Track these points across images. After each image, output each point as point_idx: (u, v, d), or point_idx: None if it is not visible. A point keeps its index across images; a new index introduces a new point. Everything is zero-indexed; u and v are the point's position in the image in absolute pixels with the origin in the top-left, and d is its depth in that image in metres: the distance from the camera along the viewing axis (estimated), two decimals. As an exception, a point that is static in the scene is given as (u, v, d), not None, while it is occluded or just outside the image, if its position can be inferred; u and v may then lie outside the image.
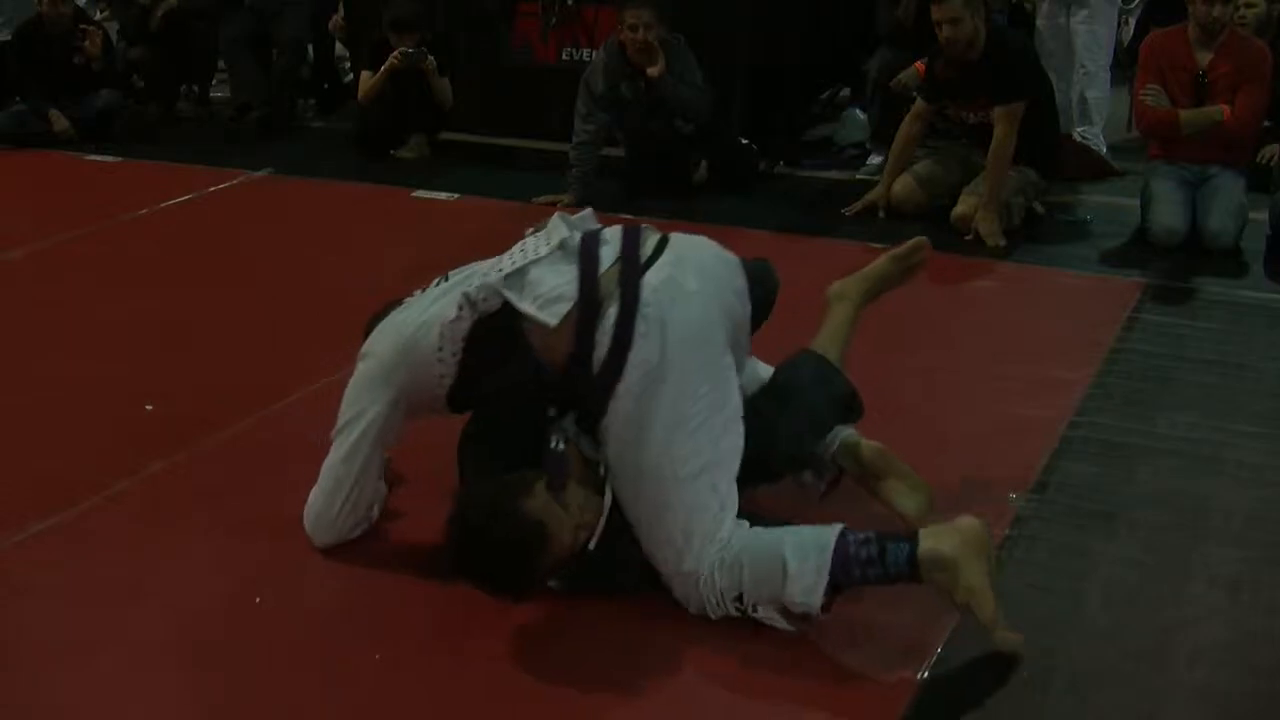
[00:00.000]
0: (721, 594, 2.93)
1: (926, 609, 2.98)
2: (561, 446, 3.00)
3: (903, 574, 2.87)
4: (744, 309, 3.23)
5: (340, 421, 3.26)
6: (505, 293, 3.07)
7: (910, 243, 3.70)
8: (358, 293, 5.27)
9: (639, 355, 2.97)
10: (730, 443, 3.03)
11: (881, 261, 3.67)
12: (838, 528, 2.93)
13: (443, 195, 6.81)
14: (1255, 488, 3.69)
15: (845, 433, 3.38)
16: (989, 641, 2.88)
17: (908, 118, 6.35)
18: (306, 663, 2.94)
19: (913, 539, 2.88)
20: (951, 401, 3.82)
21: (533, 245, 3.18)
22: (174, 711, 2.80)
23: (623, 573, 3.08)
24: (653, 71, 6.41)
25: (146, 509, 3.60)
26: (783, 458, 3.30)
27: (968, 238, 5.87)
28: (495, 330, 3.08)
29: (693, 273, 3.11)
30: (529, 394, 3.10)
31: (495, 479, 3.05)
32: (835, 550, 2.87)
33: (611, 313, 3.01)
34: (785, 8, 7.32)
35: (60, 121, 8.08)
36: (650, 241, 3.18)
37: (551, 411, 3.10)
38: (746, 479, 3.07)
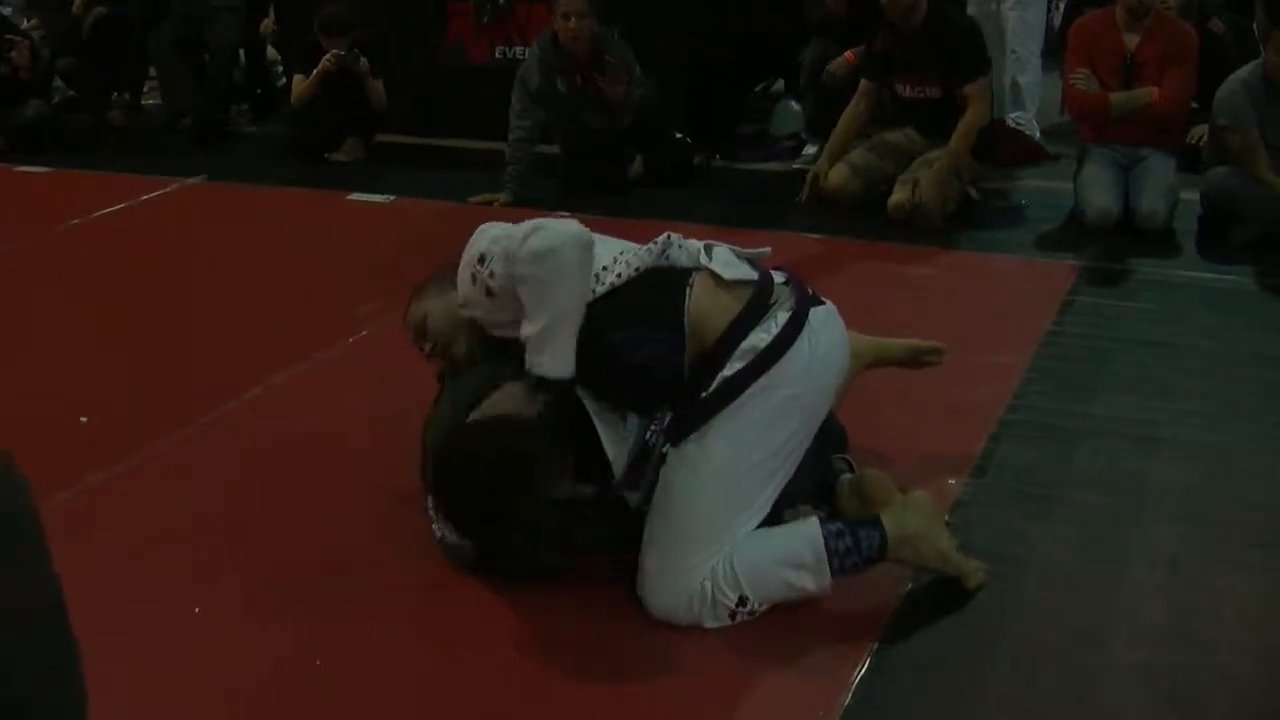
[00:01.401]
0: (720, 601, 2.94)
1: (866, 593, 3.03)
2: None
3: (874, 558, 3.00)
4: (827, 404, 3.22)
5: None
6: (702, 253, 3.09)
7: (932, 344, 3.78)
8: (294, 298, 5.28)
9: (787, 364, 2.98)
10: (770, 497, 3.04)
11: (899, 343, 3.77)
12: (813, 520, 3.03)
13: (379, 198, 6.78)
14: (1192, 466, 3.73)
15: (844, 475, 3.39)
16: (931, 623, 2.94)
17: (854, 97, 6.36)
18: (264, 670, 2.93)
19: (877, 523, 3.02)
20: (889, 387, 3.84)
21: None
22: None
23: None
24: (615, 95, 6.42)
25: (83, 521, 3.57)
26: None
27: (905, 221, 5.90)
28: (657, 287, 3.04)
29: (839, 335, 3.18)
30: (633, 369, 3.03)
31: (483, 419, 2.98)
32: (824, 539, 2.98)
33: (782, 316, 3.02)
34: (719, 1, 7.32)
35: (-13, 133, 7.99)
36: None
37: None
38: None
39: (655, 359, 3.00)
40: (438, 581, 3.19)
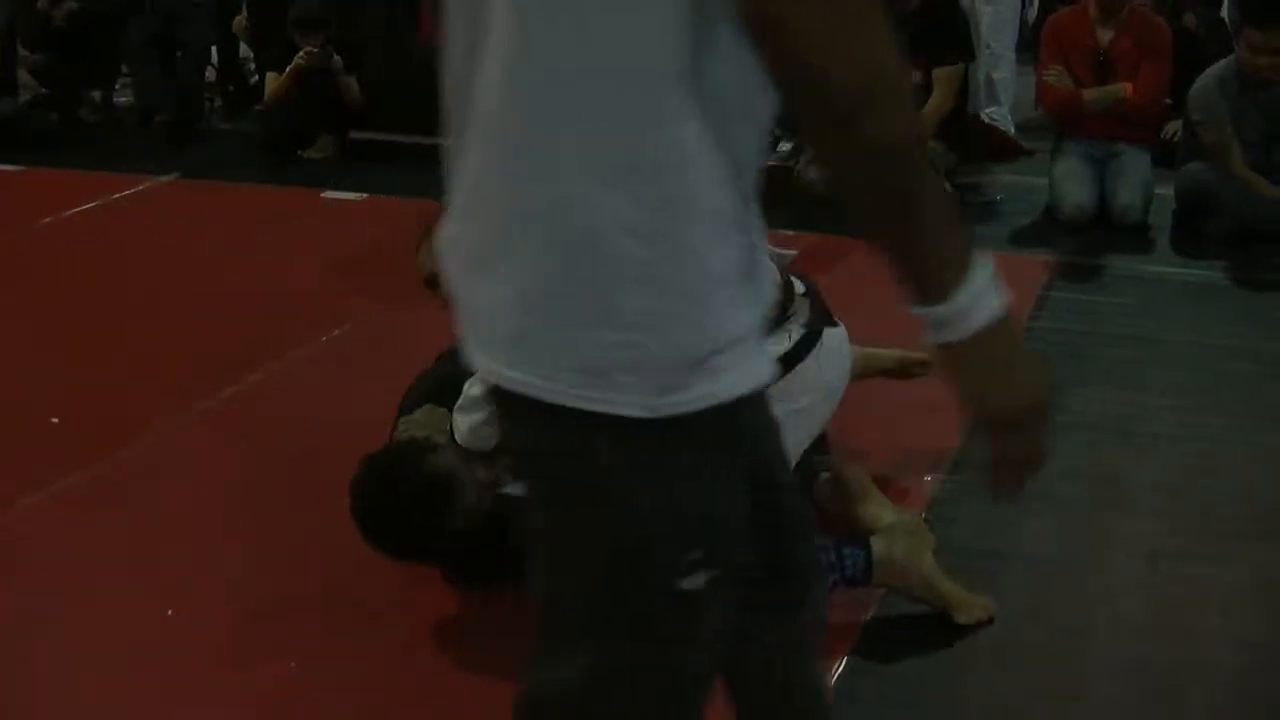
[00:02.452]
0: None
1: (845, 594, 2.99)
2: None
3: (859, 579, 2.96)
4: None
5: None
6: None
7: (921, 355, 3.70)
8: (269, 296, 5.24)
9: (796, 378, 2.98)
10: None
11: (889, 353, 3.74)
12: None
13: (352, 195, 6.75)
14: (1169, 459, 3.74)
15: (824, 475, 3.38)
16: (910, 620, 2.93)
17: None
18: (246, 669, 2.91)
19: (864, 545, 2.96)
20: (865, 384, 3.82)
21: None
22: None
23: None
24: None
25: (60, 522, 3.54)
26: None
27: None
28: None
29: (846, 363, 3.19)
30: None
31: (401, 441, 3.03)
32: None
33: (796, 330, 3.01)
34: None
35: (-47, 131, 7.93)
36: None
37: None
38: None
39: None
40: (424, 580, 3.16)
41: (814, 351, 3.01)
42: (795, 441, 3.02)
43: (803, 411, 2.99)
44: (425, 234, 3.40)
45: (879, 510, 3.23)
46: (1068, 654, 2.88)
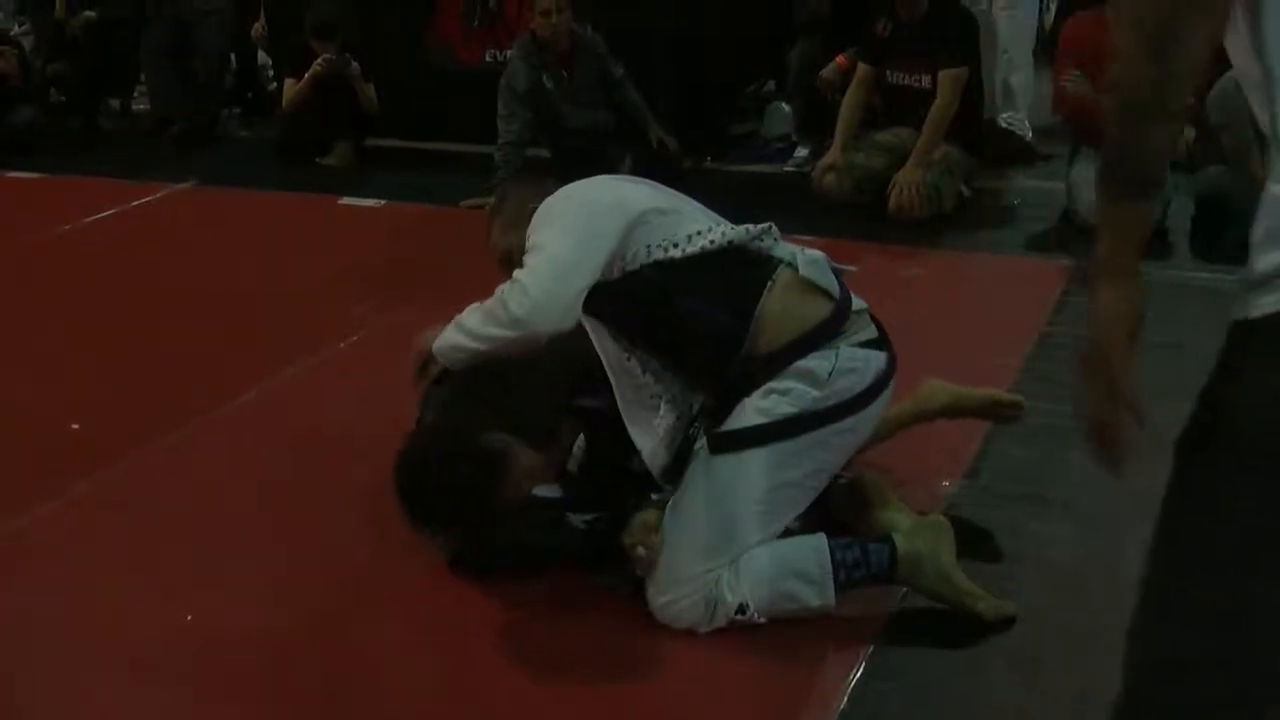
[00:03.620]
0: (720, 605, 2.92)
1: (862, 596, 3.00)
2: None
3: (883, 575, 2.95)
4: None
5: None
6: (797, 252, 3.10)
7: (1014, 398, 3.69)
8: (286, 302, 5.26)
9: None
10: (793, 515, 3.03)
11: (980, 393, 3.66)
12: (820, 534, 2.99)
13: (369, 202, 6.76)
14: (1187, 464, 3.71)
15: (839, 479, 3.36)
16: (928, 626, 2.93)
17: (852, 85, 6.33)
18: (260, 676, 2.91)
19: (888, 541, 2.96)
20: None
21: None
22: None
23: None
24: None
25: (74, 527, 3.55)
26: None
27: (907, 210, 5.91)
28: (740, 269, 3.05)
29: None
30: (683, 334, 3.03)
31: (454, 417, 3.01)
32: (830, 553, 2.93)
33: (846, 350, 2.99)
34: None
35: (-28, 139, 7.98)
36: None
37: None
38: None
39: (713, 338, 2.99)
40: (437, 583, 3.18)
41: (884, 394, 3.02)
42: (840, 458, 3.05)
43: (846, 432, 3.00)
44: (495, 215, 3.40)
45: (895, 516, 3.21)
46: (1085, 659, 2.86)
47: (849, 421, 2.97)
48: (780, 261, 3.07)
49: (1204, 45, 1.61)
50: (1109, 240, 1.71)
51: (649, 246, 3.03)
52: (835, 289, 3.07)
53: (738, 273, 3.04)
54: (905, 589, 3.04)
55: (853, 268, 3.24)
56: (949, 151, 6.10)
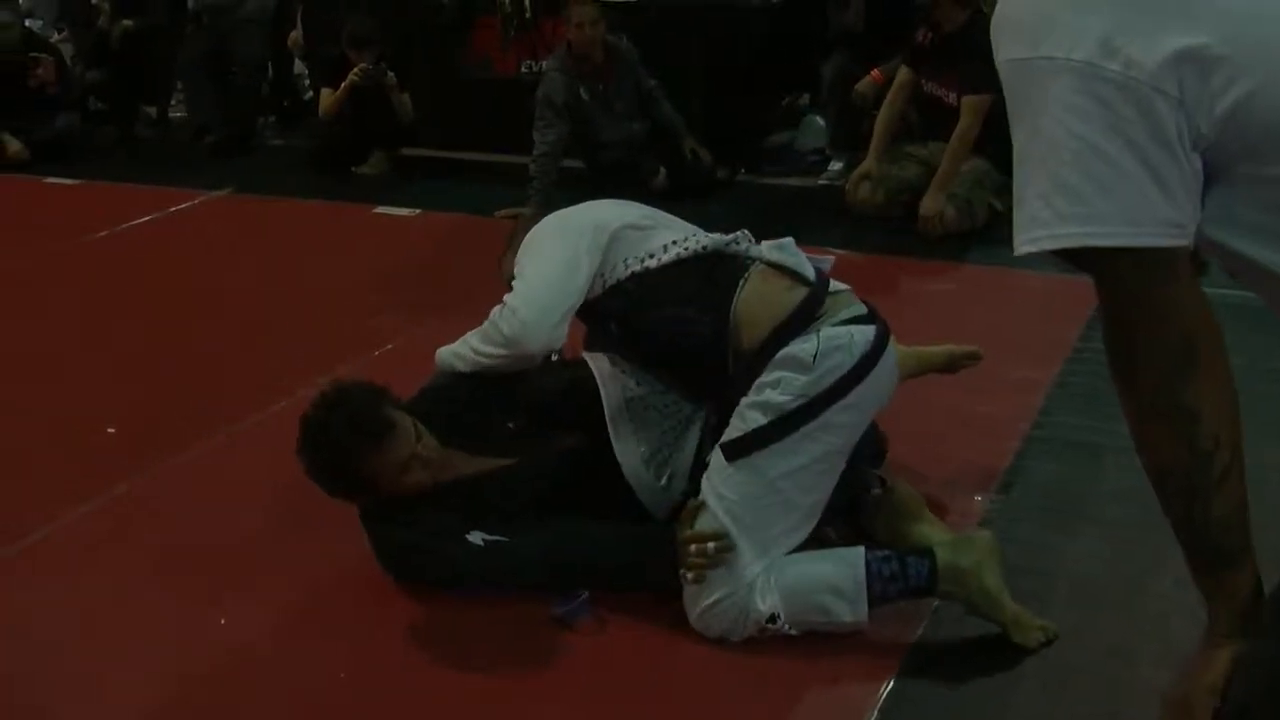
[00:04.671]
0: (752, 613, 2.92)
1: (892, 611, 2.99)
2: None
3: (922, 588, 2.93)
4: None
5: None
6: (762, 248, 3.19)
7: (968, 348, 3.79)
8: (320, 310, 5.29)
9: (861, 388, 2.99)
10: (817, 503, 3.02)
11: (939, 350, 3.76)
12: (859, 548, 2.98)
13: (404, 211, 6.80)
14: (1219, 482, 3.69)
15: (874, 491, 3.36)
16: (958, 641, 2.92)
17: (891, 91, 6.32)
18: (282, 681, 2.93)
19: (929, 554, 2.94)
20: (915, 403, 3.81)
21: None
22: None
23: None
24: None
25: (109, 531, 3.58)
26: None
27: (935, 235, 5.91)
28: (714, 270, 3.15)
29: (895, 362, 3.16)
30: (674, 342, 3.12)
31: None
32: (866, 567, 2.92)
33: (827, 330, 3.00)
34: (742, 12, 7.32)
35: (13, 144, 8.04)
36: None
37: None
38: None
39: (696, 343, 3.07)
40: (461, 603, 3.17)
41: (879, 365, 3.01)
42: (847, 442, 3.03)
43: (850, 408, 2.99)
44: (510, 242, 3.49)
45: (929, 529, 3.21)
46: (1115, 676, 2.86)
47: (849, 398, 2.96)
48: (753, 260, 3.17)
49: (1222, 400, 1.67)
50: (1210, 609, 1.71)
51: (626, 260, 3.17)
52: (807, 271, 3.11)
53: (713, 274, 3.14)
54: (937, 603, 3.03)
55: (831, 258, 3.27)
56: (978, 164, 6.08)
